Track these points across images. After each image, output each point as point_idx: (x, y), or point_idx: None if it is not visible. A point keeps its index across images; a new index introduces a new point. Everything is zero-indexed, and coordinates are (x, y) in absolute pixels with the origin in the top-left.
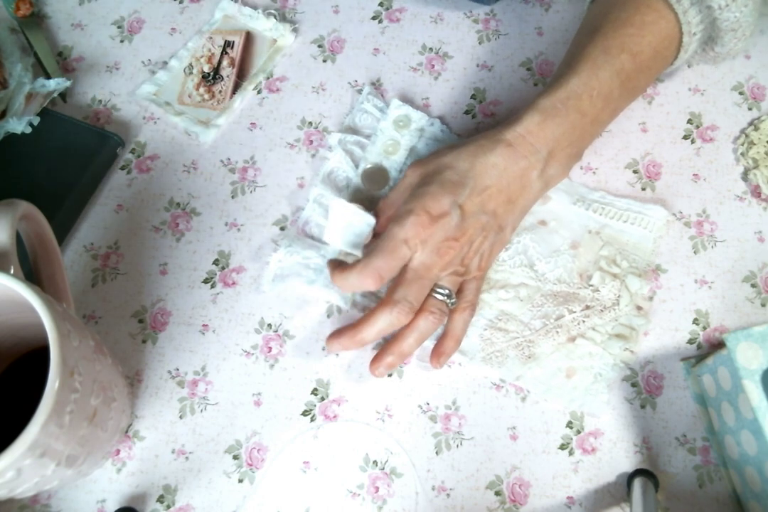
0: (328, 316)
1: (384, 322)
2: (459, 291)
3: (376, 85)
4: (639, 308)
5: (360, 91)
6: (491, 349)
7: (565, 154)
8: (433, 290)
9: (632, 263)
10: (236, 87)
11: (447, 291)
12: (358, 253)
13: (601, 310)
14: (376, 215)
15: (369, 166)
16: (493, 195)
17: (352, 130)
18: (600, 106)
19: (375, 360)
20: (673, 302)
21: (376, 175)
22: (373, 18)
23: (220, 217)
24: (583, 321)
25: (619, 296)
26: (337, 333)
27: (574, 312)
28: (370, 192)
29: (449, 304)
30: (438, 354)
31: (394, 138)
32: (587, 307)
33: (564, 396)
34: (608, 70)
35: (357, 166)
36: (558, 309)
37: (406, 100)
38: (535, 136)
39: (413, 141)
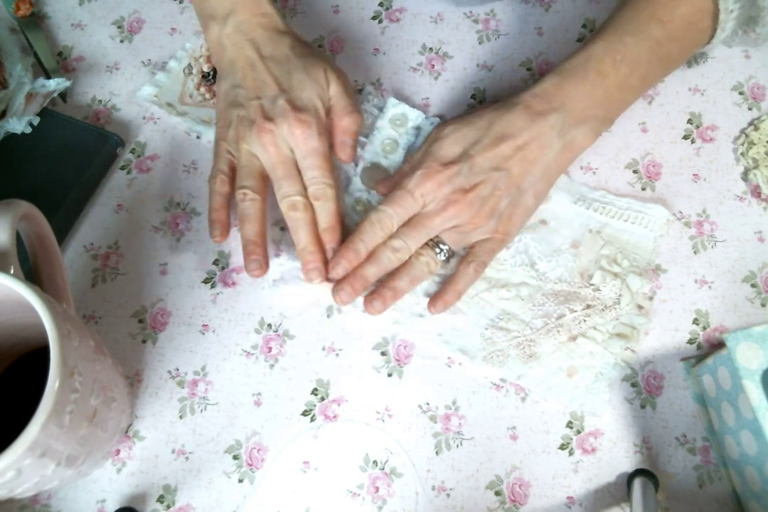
0: (328, 316)
1: (379, 259)
2: (471, 248)
3: (376, 85)
4: (640, 307)
5: (361, 91)
6: (492, 349)
7: (588, 115)
8: (432, 241)
9: (633, 262)
10: None
11: (444, 248)
12: None
13: (602, 309)
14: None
15: (368, 165)
16: (508, 152)
17: None
18: (626, 71)
19: (371, 294)
20: (673, 302)
21: (375, 174)
22: (373, 18)
23: None
24: (584, 321)
25: (620, 295)
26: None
27: (575, 311)
28: (370, 190)
29: (439, 257)
30: (435, 299)
31: (391, 136)
32: (588, 306)
33: (565, 395)
34: (635, 36)
35: (356, 165)
36: (559, 308)
37: (406, 99)
38: (552, 96)
39: (411, 139)
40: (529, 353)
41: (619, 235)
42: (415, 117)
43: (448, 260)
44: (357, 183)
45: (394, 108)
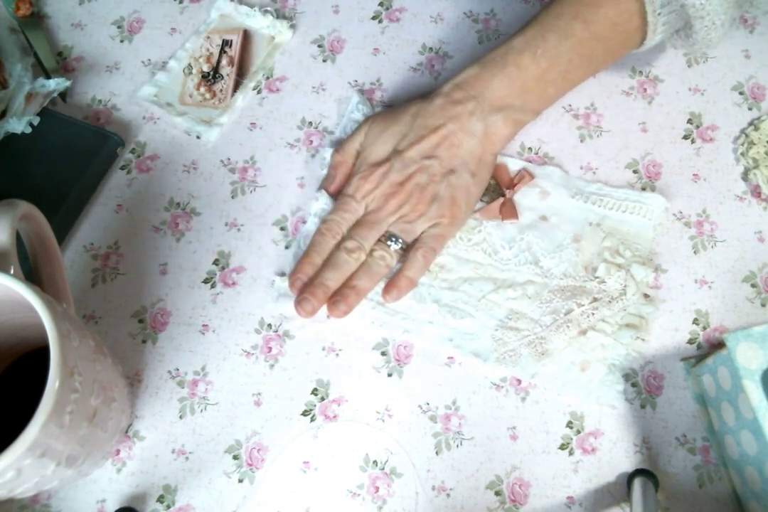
0: (328, 317)
1: (333, 263)
2: (419, 238)
3: (376, 85)
4: (646, 296)
5: (361, 92)
6: (504, 349)
7: (505, 103)
8: (383, 236)
9: (635, 252)
10: (237, 85)
11: (394, 239)
12: None
13: (609, 301)
14: (334, 167)
15: None
16: (435, 140)
17: None
18: (545, 65)
19: (333, 296)
20: (673, 302)
21: None
22: (373, 18)
23: (220, 217)
24: (593, 314)
25: (625, 286)
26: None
27: (583, 305)
28: None
29: (393, 248)
30: (389, 287)
31: None
32: (595, 299)
33: (580, 389)
34: (557, 33)
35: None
36: (566, 303)
37: (406, 100)
38: (470, 85)
39: None
40: (541, 351)
41: (619, 226)
42: None
43: (403, 250)
44: None
45: None
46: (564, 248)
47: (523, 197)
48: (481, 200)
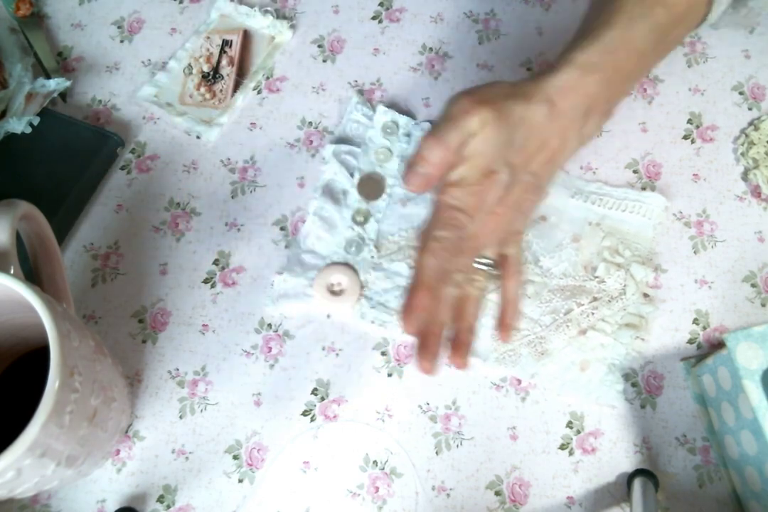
0: (328, 316)
1: (448, 294)
2: (504, 258)
3: (376, 85)
4: (645, 295)
5: (360, 94)
6: (504, 349)
7: (600, 111)
8: (477, 259)
9: (635, 252)
10: (237, 85)
11: (489, 261)
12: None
13: (609, 301)
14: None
15: (364, 176)
16: (539, 158)
17: (345, 141)
18: (634, 61)
19: (455, 352)
20: (673, 302)
21: (372, 184)
22: (373, 18)
23: (220, 217)
24: (592, 313)
25: (625, 285)
26: (406, 312)
27: (583, 304)
28: (368, 200)
29: (494, 273)
30: (504, 326)
31: (384, 145)
32: (595, 299)
33: (580, 389)
34: (644, 23)
35: (352, 175)
36: (566, 303)
37: (406, 99)
38: (575, 93)
39: (403, 146)
40: (540, 350)
41: (619, 226)
42: (404, 124)
43: (497, 272)
44: (354, 194)
45: (384, 115)
46: (563, 248)
47: None
48: None
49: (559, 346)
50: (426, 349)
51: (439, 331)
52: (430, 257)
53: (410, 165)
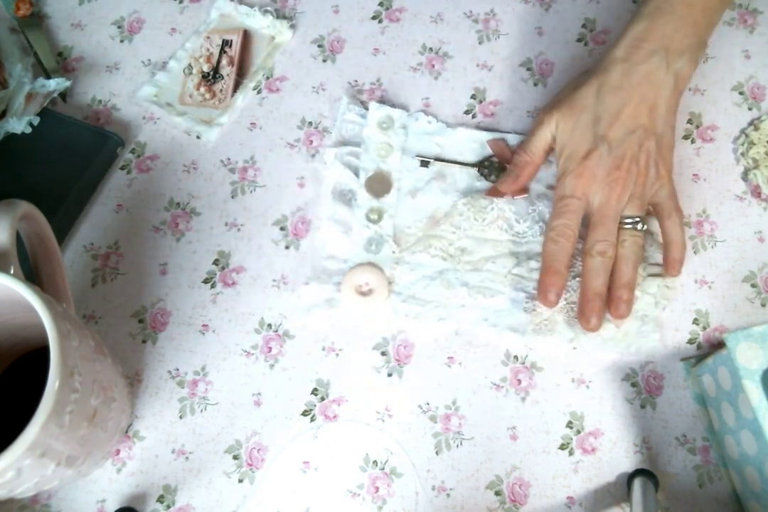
0: (329, 316)
1: (592, 270)
2: (655, 206)
3: (376, 85)
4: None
5: (351, 94)
6: (539, 319)
7: (685, 45)
8: (621, 222)
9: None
10: (237, 85)
11: (634, 219)
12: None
13: None
14: (516, 163)
15: (370, 173)
16: (631, 113)
17: (342, 143)
18: None
19: (609, 302)
20: (673, 302)
21: (379, 181)
22: (373, 18)
23: (220, 217)
24: None
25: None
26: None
27: None
28: (378, 197)
29: (639, 229)
30: (670, 262)
31: (383, 141)
32: None
33: (619, 344)
34: None
35: (357, 175)
36: None
37: (406, 99)
38: (646, 41)
39: (402, 139)
40: (574, 315)
41: None
42: (399, 117)
43: (644, 224)
44: (363, 193)
45: (377, 111)
46: None
47: None
48: (488, 180)
49: None
50: (581, 313)
51: (595, 302)
52: (549, 244)
53: (505, 175)
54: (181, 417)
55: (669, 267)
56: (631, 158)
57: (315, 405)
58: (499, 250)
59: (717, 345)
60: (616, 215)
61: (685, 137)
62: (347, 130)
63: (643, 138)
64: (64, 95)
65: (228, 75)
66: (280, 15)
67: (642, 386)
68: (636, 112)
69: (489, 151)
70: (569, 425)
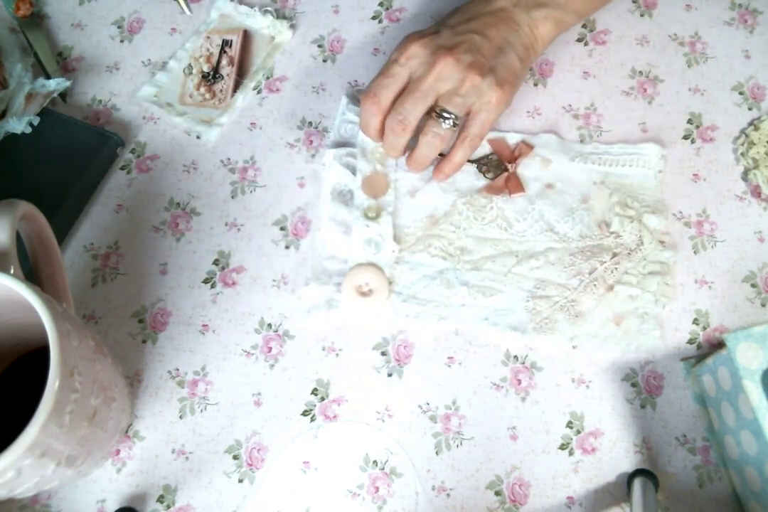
0: (329, 318)
1: (386, 130)
2: (465, 122)
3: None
4: (662, 242)
5: (350, 94)
6: (539, 318)
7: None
8: (436, 112)
9: (642, 202)
10: (237, 85)
11: (451, 116)
12: None
13: (629, 254)
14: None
15: (367, 174)
16: (482, 20)
17: (341, 143)
18: None
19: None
20: (673, 302)
21: (376, 181)
22: (373, 18)
23: (220, 217)
24: (616, 269)
25: (640, 236)
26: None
27: (605, 262)
28: (375, 198)
29: (446, 128)
30: (436, 171)
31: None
32: (615, 254)
33: (620, 343)
34: None
35: (354, 175)
36: (589, 263)
37: None
38: None
39: None
40: (574, 313)
41: (623, 181)
42: None
43: (455, 126)
44: (360, 195)
45: None
46: (575, 211)
47: (526, 168)
48: (486, 177)
49: (591, 306)
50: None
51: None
52: (361, 102)
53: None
54: (181, 417)
55: (435, 172)
56: (465, 49)
57: (315, 405)
58: (498, 249)
59: (717, 345)
60: (426, 95)
61: (685, 137)
62: (346, 130)
63: (483, 43)
64: (64, 95)
65: (228, 75)
66: (280, 15)
67: (642, 386)
68: (486, 23)
69: (488, 149)
70: (569, 425)
